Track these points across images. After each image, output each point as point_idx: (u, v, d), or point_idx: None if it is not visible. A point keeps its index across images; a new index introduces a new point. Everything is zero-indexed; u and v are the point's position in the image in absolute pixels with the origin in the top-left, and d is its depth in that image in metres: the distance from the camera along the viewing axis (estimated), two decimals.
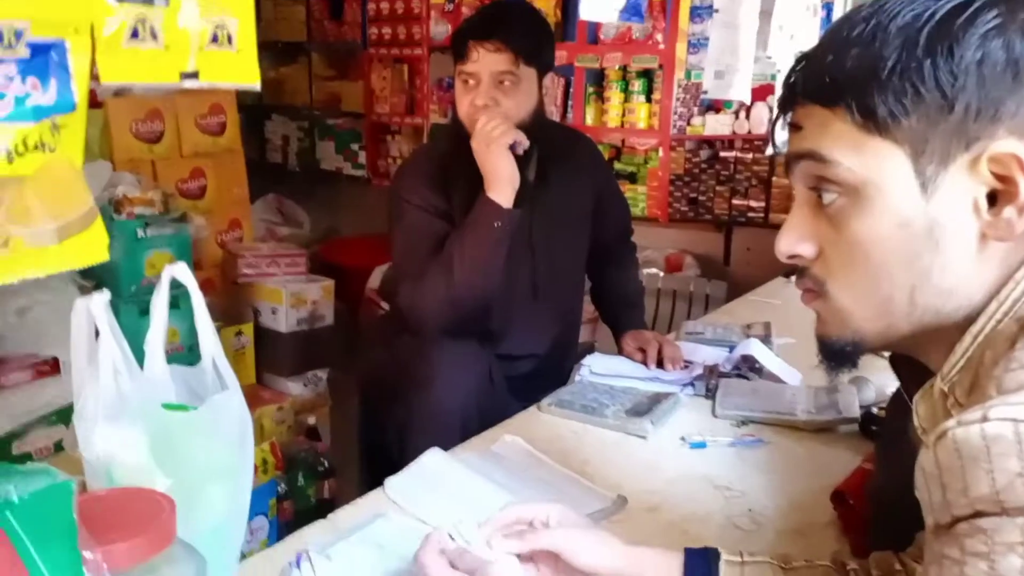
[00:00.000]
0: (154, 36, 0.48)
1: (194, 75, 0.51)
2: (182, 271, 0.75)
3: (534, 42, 1.47)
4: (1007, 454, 0.45)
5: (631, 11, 1.07)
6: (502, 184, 1.41)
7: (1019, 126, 0.50)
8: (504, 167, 1.41)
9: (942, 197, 0.53)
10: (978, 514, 0.46)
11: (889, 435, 0.95)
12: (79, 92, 0.45)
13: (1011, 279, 0.52)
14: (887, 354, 0.67)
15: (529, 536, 0.79)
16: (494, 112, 1.42)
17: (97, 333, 0.75)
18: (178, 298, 0.78)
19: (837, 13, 2.06)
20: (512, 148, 1.42)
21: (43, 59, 0.43)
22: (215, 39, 0.51)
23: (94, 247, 0.47)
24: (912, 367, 0.63)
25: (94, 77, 0.48)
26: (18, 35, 0.42)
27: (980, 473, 0.46)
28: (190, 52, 0.50)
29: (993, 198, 0.51)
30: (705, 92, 1.58)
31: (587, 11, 1.03)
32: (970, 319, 0.54)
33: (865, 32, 0.53)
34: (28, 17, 0.42)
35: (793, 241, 0.60)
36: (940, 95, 0.50)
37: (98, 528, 0.53)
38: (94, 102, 2.53)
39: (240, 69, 0.53)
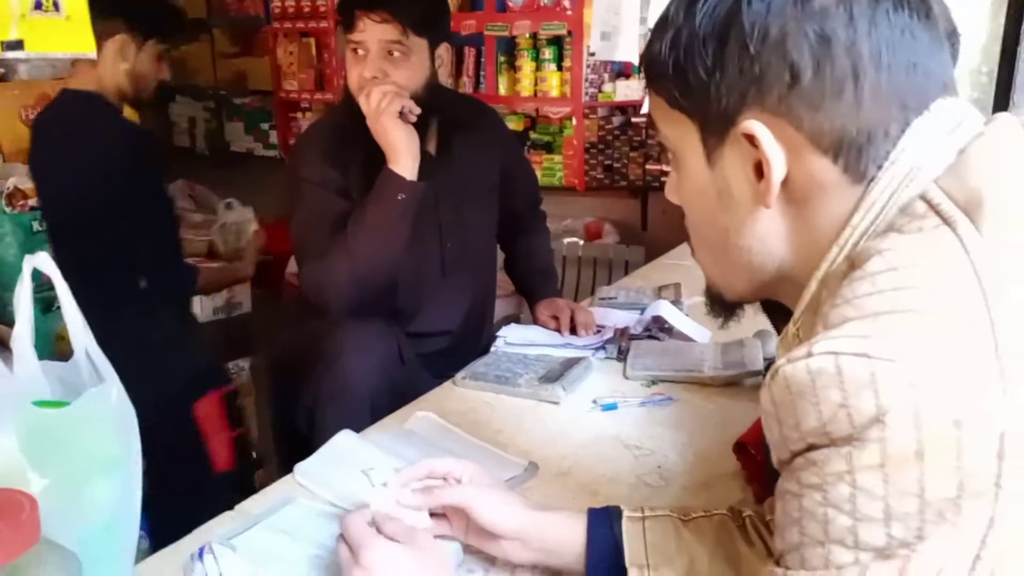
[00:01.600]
0: None
1: (18, 44, 0.47)
2: (43, 261, 0.71)
3: (424, 11, 1.43)
4: (829, 386, 0.46)
5: None
6: (402, 156, 1.38)
7: (768, 105, 0.54)
8: (399, 137, 1.38)
9: (724, 167, 0.58)
10: (810, 447, 0.48)
11: None
12: None
13: (848, 224, 0.54)
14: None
15: (437, 491, 0.81)
16: (379, 84, 1.38)
17: None
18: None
19: None
20: (403, 116, 1.38)
21: None
22: (39, 6, 0.47)
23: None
24: (785, 315, 0.65)
25: None
26: None
27: (808, 407, 0.47)
28: (11, 20, 0.46)
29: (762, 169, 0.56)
30: (592, 54, 1.57)
31: None
32: (795, 268, 0.59)
33: (662, 20, 0.59)
34: None
35: (669, 193, 0.67)
36: (702, 83, 0.56)
37: None
38: None
39: (71, 37, 0.49)
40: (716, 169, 0.59)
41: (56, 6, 0.49)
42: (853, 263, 0.52)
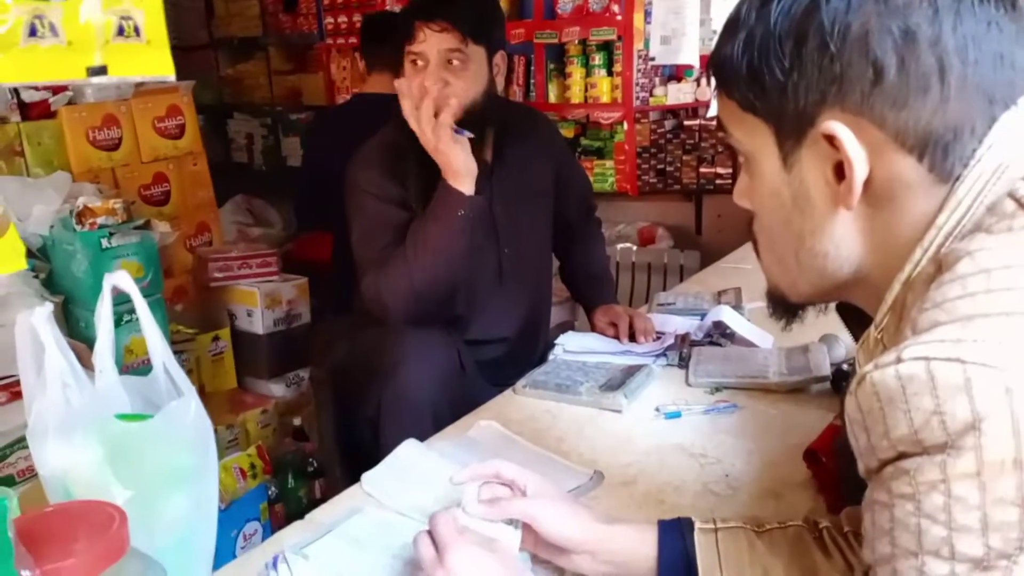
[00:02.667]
0: (55, 32, 0.46)
1: (102, 70, 0.49)
2: (122, 279, 0.74)
3: (482, 20, 1.44)
4: (921, 393, 0.45)
5: None
6: (458, 172, 1.39)
7: (849, 105, 0.53)
8: (456, 157, 1.38)
9: (800, 170, 0.57)
10: (901, 456, 0.47)
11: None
12: None
13: (932, 225, 0.53)
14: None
15: (503, 503, 0.80)
16: (424, 114, 1.37)
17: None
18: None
19: None
20: (460, 132, 1.39)
21: None
22: (121, 31, 0.49)
23: (9, 256, 0.46)
24: (859, 317, 0.64)
25: None
26: None
27: (898, 414, 0.46)
28: (95, 47, 0.48)
29: (843, 171, 0.55)
30: (652, 59, 1.56)
31: None
32: (873, 271, 0.58)
33: (732, 22, 0.58)
34: None
35: (738, 197, 0.66)
36: (779, 84, 0.55)
37: (45, 545, 0.51)
38: (47, 112, 2.48)
39: (151, 60, 0.51)
40: (793, 172, 0.58)
41: (137, 31, 0.51)
42: (940, 266, 0.50)
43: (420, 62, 1.43)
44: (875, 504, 0.49)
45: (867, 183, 0.54)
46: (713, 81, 0.63)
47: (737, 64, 0.57)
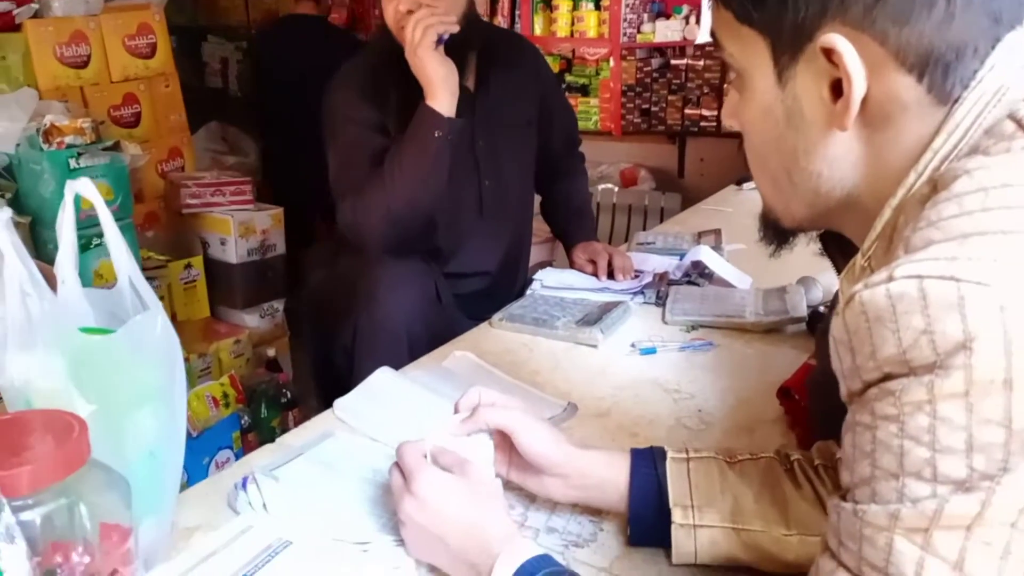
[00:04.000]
0: None
1: None
2: (85, 186, 0.70)
3: None
4: (911, 311, 0.44)
5: None
6: (440, 90, 1.35)
7: (850, 18, 0.51)
8: (437, 70, 1.34)
9: (795, 86, 0.55)
10: (887, 377, 0.46)
11: (827, 326, 0.96)
12: None
13: (928, 148, 0.51)
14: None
15: (483, 410, 0.79)
16: (420, 12, 1.34)
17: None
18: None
19: None
20: (441, 42, 1.35)
21: None
22: None
23: None
24: (842, 248, 0.62)
25: None
26: None
27: (886, 333, 0.45)
28: None
29: (840, 89, 0.53)
30: None
31: None
32: (865, 195, 0.56)
33: None
34: None
35: (726, 115, 0.65)
36: None
37: (1, 452, 0.50)
38: (11, 26, 2.38)
39: None
40: (787, 88, 0.56)
41: None
42: (936, 186, 0.49)
43: None
44: (857, 426, 0.48)
45: (864, 103, 0.52)
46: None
47: None
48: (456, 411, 0.81)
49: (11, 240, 0.68)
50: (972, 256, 0.43)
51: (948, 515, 0.43)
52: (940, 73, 0.50)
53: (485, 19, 1.50)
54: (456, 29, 1.36)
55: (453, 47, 1.37)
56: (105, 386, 0.72)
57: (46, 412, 0.57)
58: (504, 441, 0.79)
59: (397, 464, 0.76)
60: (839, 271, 0.63)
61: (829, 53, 0.51)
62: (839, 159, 0.56)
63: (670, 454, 0.77)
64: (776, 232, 0.65)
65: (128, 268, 0.74)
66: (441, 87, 1.35)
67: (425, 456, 0.76)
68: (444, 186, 1.40)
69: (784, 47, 0.54)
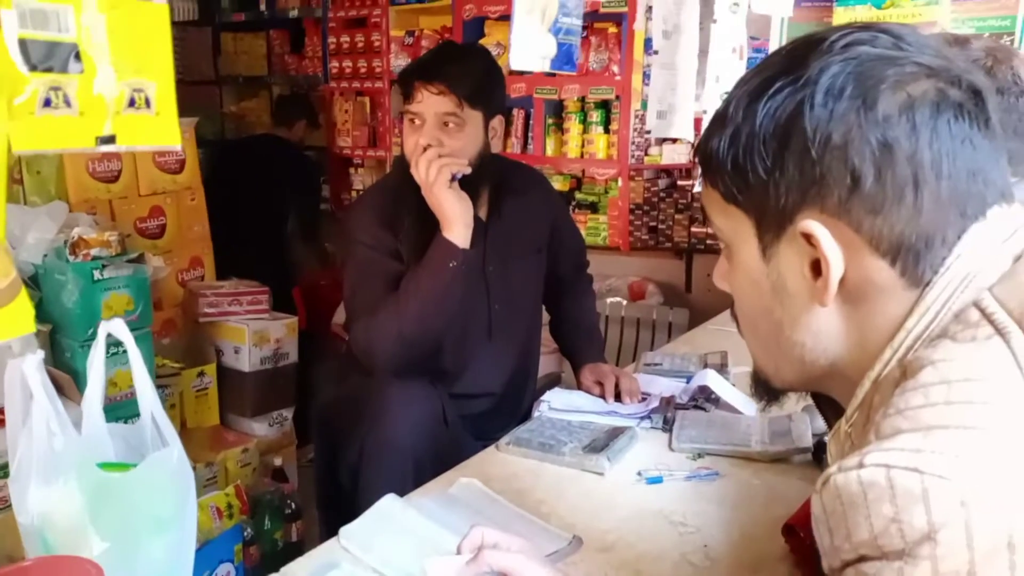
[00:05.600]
0: (68, 103, 0.48)
1: (111, 139, 0.51)
2: (118, 327, 0.74)
3: (479, 85, 1.48)
4: (881, 499, 0.46)
5: (562, 60, 1.08)
6: (455, 224, 1.42)
7: (827, 207, 0.55)
8: (453, 206, 1.42)
9: (779, 263, 0.59)
10: (862, 558, 0.48)
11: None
12: None
13: (902, 327, 0.54)
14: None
15: (486, 552, 0.79)
16: (429, 153, 1.42)
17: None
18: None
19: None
20: (455, 179, 1.42)
21: None
22: (132, 103, 0.51)
23: (19, 319, 0.47)
24: (833, 406, 0.65)
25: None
26: None
27: (859, 518, 0.47)
28: (106, 117, 0.50)
29: (820, 268, 0.57)
30: (648, 132, 1.61)
31: (516, 61, 1.03)
32: (848, 365, 0.59)
33: (720, 116, 0.60)
34: None
35: (717, 279, 0.69)
36: (761, 181, 0.57)
37: None
38: None
39: (159, 131, 0.53)
40: (771, 264, 0.60)
41: (148, 103, 0.52)
42: (906, 371, 0.52)
43: (417, 121, 1.47)
44: None
45: (842, 282, 0.56)
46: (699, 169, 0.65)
47: (723, 158, 0.59)
48: (459, 552, 0.81)
49: (42, 381, 0.71)
50: (935, 449, 0.46)
51: None
52: (911, 259, 0.54)
53: (499, 140, 1.59)
54: (468, 170, 1.44)
55: (467, 180, 1.44)
56: (120, 521, 0.74)
57: (66, 559, 0.59)
58: None
59: None
60: (829, 427, 0.65)
61: (808, 237, 0.55)
62: (822, 332, 0.59)
63: None
64: (767, 390, 0.68)
65: (151, 404, 0.77)
66: (457, 222, 1.42)
67: None
68: (456, 312, 1.44)
69: (767, 227, 0.59)
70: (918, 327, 0.54)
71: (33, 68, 0.45)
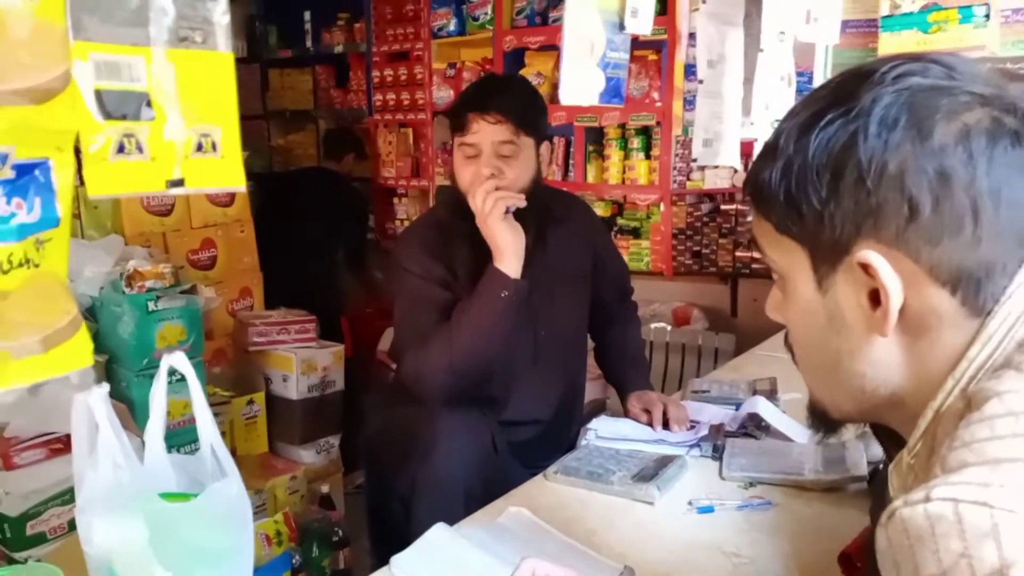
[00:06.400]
0: (140, 149, 0.50)
1: (180, 182, 0.53)
2: (179, 360, 0.77)
3: (531, 112, 1.51)
4: (949, 534, 0.45)
5: (611, 94, 1.10)
6: (507, 255, 1.44)
7: (884, 237, 0.54)
8: (506, 238, 1.44)
9: (836, 294, 0.58)
10: None
11: (880, 493, 0.95)
12: (62, 208, 0.47)
13: (964, 357, 0.53)
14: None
15: None
16: (487, 184, 1.44)
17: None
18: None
19: (817, 81, 2.12)
20: (508, 211, 1.44)
21: (27, 179, 0.45)
22: (200, 147, 0.53)
23: (79, 353, 0.49)
24: (892, 435, 0.64)
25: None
26: (3, 159, 0.44)
27: (927, 553, 0.46)
28: (176, 162, 0.52)
29: (878, 297, 0.56)
30: (695, 160, 1.61)
31: (567, 96, 1.05)
32: (908, 396, 0.58)
33: (770, 149, 0.60)
34: (13, 141, 0.44)
35: (770, 310, 0.68)
36: (815, 213, 0.56)
37: None
38: None
39: (225, 173, 0.55)
40: (827, 295, 0.59)
41: (214, 147, 0.55)
42: (970, 402, 0.51)
43: (472, 152, 1.49)
44: None
45: (902, 312, 0.55)
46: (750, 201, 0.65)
47: (775, 190, 0.58)
48: None
49: (107, 414, 0.74)
50: (1004, 483, 0.45)
51: None
52: (972, 288, 0.53)
53: (546, 166, 1.64)
54: (523, 203, 1.46)
55: (519, 210, 1.46)
56: (182, 551, 0.75)
57: None
58: None
59: None
60: (889, 458, 0.64)
61: (866, 267, 0.55)
62: (881, 362, 0.58)
63: None
64: (824, 421, 0.67)
65: (211, 436, 0.79)
66: (510, 253, 1.44)
67: None
68: (506, 342, 1.45)
69: (823, 258, 0.58)
70: (980, 356, 0.53)
71: (108, 116, 0.47)
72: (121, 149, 0.49)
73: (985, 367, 0.53)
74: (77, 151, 0.49)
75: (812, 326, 0.61)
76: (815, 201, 0.56)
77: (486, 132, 1.47)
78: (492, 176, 1.46)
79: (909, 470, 0.56)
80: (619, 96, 1.12)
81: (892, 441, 0.66)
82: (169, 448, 0.88)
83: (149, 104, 0.50)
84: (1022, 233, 0.53)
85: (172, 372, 0.90)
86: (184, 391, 0.94)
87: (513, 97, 1.50)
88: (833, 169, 0.55)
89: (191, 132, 0.52)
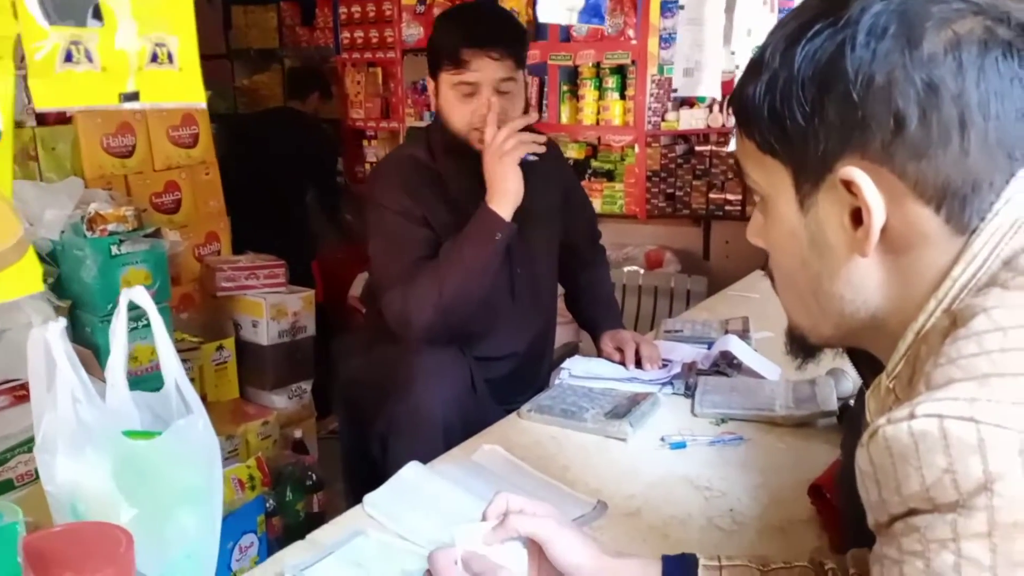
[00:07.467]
0: (89, 58, 0.46)
1: (134, 96, 0.50)
2: (139, 295, 0.74)
3: (526, 47, 1.47)
4: (934, 450, 0.45)
5: (590, 12, 1.06)
6: (506, 197, 1.40)
7: (869, 152, 0.53)
8: (512, 181, 1.40)
9: (818, 213, 0.57)
10: (912, 512, 0.46)
11: (853, 426, 0.96)
12: (4, 119, 0.43)
13: (948, 276, 0.53)
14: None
15: (514, 518, 0.79)
16: (513, 124, 1.39)
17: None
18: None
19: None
20: (524, 160, 1.40)
21: None
22: (155, 58, 0.50)
23: (27, 278, 0.46)
24: (870, 362, 0.63)
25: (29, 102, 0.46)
26: None
27: (910, 470, 0.46)
28: (129, 73, 0.49)
29: (860, 217, 0.55)
30: (675, 90, 1.58)
31: (544, 14, 1.01)
32: (889, 318, 0.57)
33: (756, 63, 0.58)
34: None
35: (751, 235, 0.67)
36: (799, 129, 0.55)
37: (51, 566, 0.51)
38: (62, 118, 2.50)
39: (183, 87, 0.51)
40: (809, 215, 0.58)
41: (170, 58, 0.51)
42: (955, 320, 0.50)
43: (470, 90, 1.44)
44: (884, 559, 0.48)
45: (884, 231, 0.54)
46: (732, 119, 0.63)
47: (759, 106, 0.57)
48: (484, 518, 0.81)
49: (65, 349, 0.71)
50: (992, 398, 0.44)
51: None
52: (957, 205, 0.52)
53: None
54: (544, 151, 1.42)
55: None
56: (148, 489, 0.74)
57: (95, 525, 0.59)
58: (533, 547, 0.79)
59: (429, 572, 0.76)
60: (866, 384, 0.64)
61: (848, 185, 0.54)
62: (862, 283, 0.57)
63: (702, 562, 0.76)
64: (803, 347, 0.67)
65: (175, 372, 0.77)
66: (511, 196, 1.40)
67: (456, 562, 0.76)
68: (493, 282, 1.43)
69: (806, 177, 0.57)
70: (964, 275, 0.52)
71: (53, 21, 0.44)
72: (69, 58, 0.46)
73: (969, 286, 0.52)
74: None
75: (793, 249, 0.60)
76: (799, 117, 0.54)
77: (488, 69, 1.41)
78: (493, 115, 1.41)
79: (888, 393, 0.55)
80: (599, 16, 1.08)
81: (870, 368, 0.66)
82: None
83: (98, 9, 0.46)
84: (1010, 147, 0.51)
85: (138, 318, 0.87)
86: (151, 336, 0.92)
87: (512, 32, 1.46)
88: (819, 82, 0.53)
89: (145, 41, 0.49)
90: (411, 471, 1.10)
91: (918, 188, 0.52)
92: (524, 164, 1.53)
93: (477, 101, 1.43)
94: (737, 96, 0.60)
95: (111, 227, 2.22)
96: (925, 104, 0.51)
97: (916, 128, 0.51)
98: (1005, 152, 0.51)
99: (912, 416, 0.46)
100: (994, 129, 0.51)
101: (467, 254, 1.40)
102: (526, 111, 1.51)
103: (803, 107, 0.54)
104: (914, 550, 0.46)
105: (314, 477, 2.24)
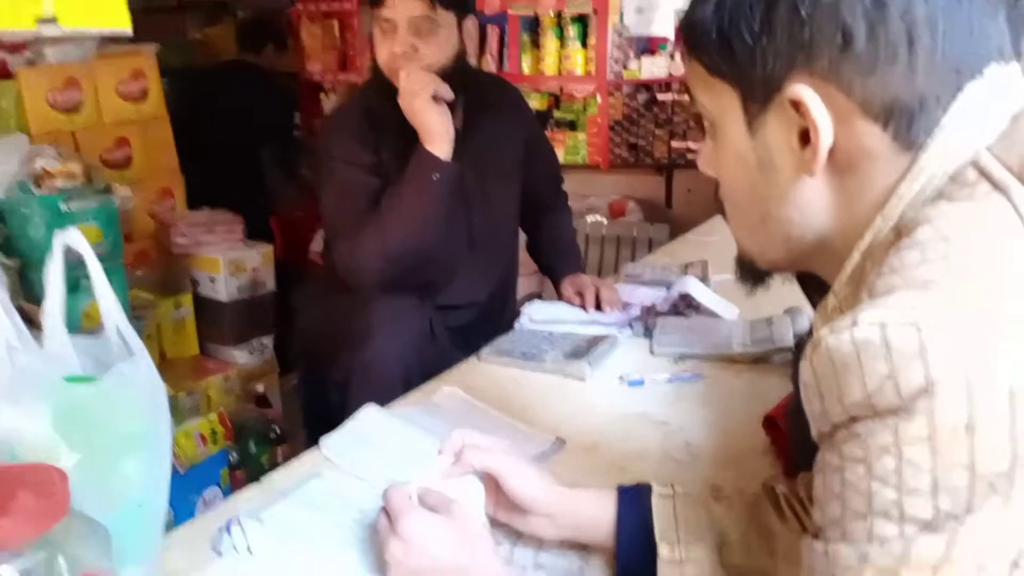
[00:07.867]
0: None
1: (52, 20, 0.47)
2: (74, 238, 0.71)
3: None
4: (876, 357, 0.45)
5: None
6: (436, 136, 1.38)
7: (817, 70, 0.52)
8: (434, 120, 1.38)
9: (766, 135, 0.57)
10: (853, 420, 0.47)
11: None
12: None
13: (894, 194, 0.52)
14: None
15: (470, 453, 0.79)
16: (414, 64, 1.38)
17: None
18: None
19: None
20: (435, 98, 1.38)
21: None
22: None
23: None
24: (820, 287, 0.64)
25: None
26: None
27: (852, 379, 0.46)
28: None
29: (808, 137, 0.55)
30: (626, 27, 1.55)
31: None
32: (836, 239, 0.57)
33: None
34: None
35: (702, 164, 0.66)
36: (747, 49, 0.54)
37: None
38: (5, 74, 2.41)
39: (104, 11, 0.49)
40: (758, 137, 0.57)
41: None
42: (900, 232, 0.50)
43: (389, 28, 1.41)
44: (826, 467, 0.49)
45: (831, 151, 0.53)
46: (682, 44, 0.62)
47: (707, 27, 0.56)
48: (441, 455, 0.81)
49: None
50: (934, 304, 0.44)
51: (916, 556, 0.44)
52: (904, 122, 0.51)
53: (473, 58, 1.54)
54: (451, 97, 1.40)
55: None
56: (90, 435, 0.72)
57: (27, 466, 0.58)
58: (490, 481, 0.80)
59: (384, 507, 0.76)
60: (815, 307, 0.64)
61: (797, 105, 0.53)
62: (810, 205, 0.57)
63: (656, 490, 0.77)
64: (752, 273, 0.67)
65: (115, 315, 0.75)
66: (438, 134, 1.39)
67: (411, 498, 0.76)
68: (441, 227, 1.41)
69: (754, 98, 0.56)
70: (911, 191, 0.52)
71: None
72: None
73: (915, 202, 0.52)
74: None
75: (741, 172, 0.60)
76: (747, 36, 0.54)
77: (402, 7, 1.39)
78: (405, 55, 1.39)
79: (834, 311, 0.55)
80: None
81: (820, 293, 0.66)
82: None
83: None
84: (958, 63, 0.51)
85: (86, 276, 0.84)
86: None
87: None
88: (768, 0, 0.52)
89: None
90: (368, 413, 1.10)
91: (865, 106, 0.52)
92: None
93: (394, 39, 1.41)
94: (687, 19, 0.59)
95: (59, 183, 2.16)
96: (872, 20, 0.50)
97: (864, 44, 0.50)
98: (952, 68, 0.51)
99: (854, 324, 0.46)
100: (942, 45, 0.50)
101: (407, 199, 1.39)
102: (464, 55, 1.48)
103: (751, 26, 0.53)
104: (856, 456, 0.46)
105: (278, 430, 2.23)
